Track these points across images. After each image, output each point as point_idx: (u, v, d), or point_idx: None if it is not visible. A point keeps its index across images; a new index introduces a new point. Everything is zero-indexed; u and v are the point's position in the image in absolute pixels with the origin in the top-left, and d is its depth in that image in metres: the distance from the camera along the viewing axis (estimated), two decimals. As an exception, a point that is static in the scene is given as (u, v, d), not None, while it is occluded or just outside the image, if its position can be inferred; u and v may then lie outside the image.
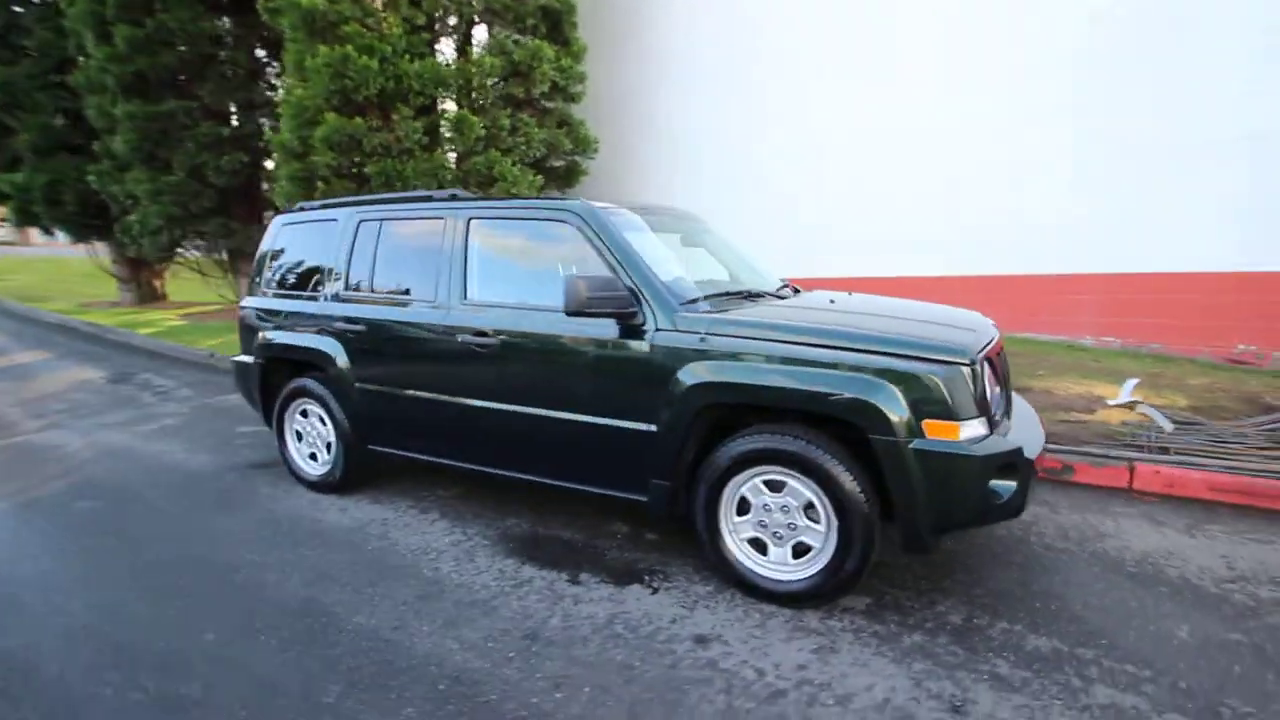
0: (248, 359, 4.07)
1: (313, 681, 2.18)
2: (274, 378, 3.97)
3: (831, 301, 3.07)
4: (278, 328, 3.88)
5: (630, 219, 3.05)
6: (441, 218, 3.35)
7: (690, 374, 2.57)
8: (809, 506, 2.48)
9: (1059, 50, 6.35)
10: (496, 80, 8.09)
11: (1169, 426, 4.00)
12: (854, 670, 2.18)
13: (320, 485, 3.82)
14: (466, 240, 3.23)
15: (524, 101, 8.56)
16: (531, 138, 8.31)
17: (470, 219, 3.25)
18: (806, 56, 8.33)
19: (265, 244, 4.10)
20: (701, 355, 2.57)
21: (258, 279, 4.09)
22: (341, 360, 3.54)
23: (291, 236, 4.02)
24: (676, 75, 9.73)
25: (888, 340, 2.39)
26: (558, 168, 9.31)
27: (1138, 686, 2.08)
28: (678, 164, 9.90)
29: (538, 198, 3.38)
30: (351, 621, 2.53)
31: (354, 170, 7.91)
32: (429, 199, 3.53)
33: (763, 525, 2.58)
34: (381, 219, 3.58)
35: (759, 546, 2.61)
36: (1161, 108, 5.79)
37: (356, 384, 3.52)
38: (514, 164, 8.11)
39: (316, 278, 3.77)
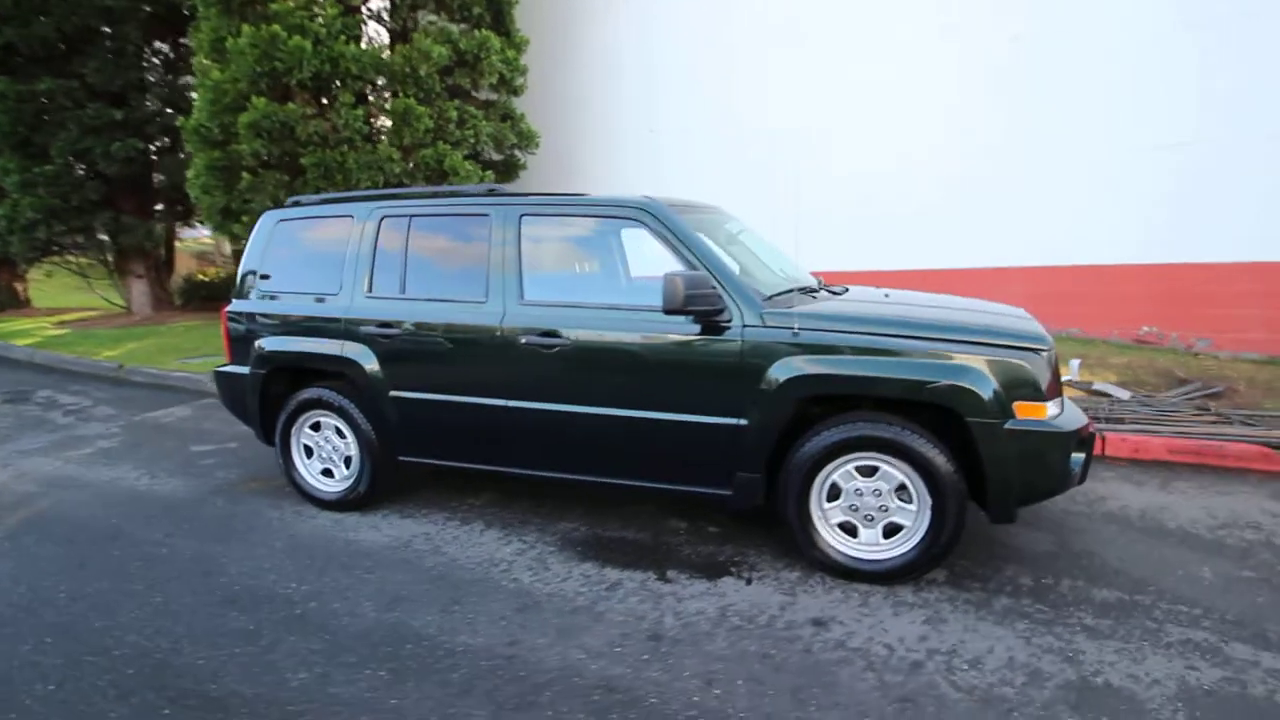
0: (239, 370, 3.67)
1: (452, 711, 2.05)
2: (275, 389, 3.62)
3: (886, 296, 3.25)
4: (283, 334, 3.53)
5: (692, 217, 3.08)
6: (485, 214, 3.20)
7: (787, 368, 2.65)
8: (900, 488, 2.65)
9: (985, 66, 7.03)
10: (442, 70, 7.71)
11: (1126, 395, 4.60)
12: (969, 636, 2.36)
13: (338, 503, 3.53)
14: (519, 237, 3.11)
15: (463, 93, 8.23)
16: (479, 131, 8.01)
17: (523, 215, 3.13)
18: (761, 53, 8.57)
19: (256, 243, 3.70)
20: (797, 350, 2.65)
21: (248, 281, 3.69)
22: (371, 367, 3.29)
23: (290, 234, 3.66)
24: (620, 71, 9.73)
25: (977, 330, 2.59)
26: (496, 162, 9.03)
27: (1198, 623, 2.41)
28: (615, 160, 9.90)
29: (596, 196, 3.21)
30: (457, 642, 2.39)
31: (286, 160, 7.25)
32: (460, 194, 3.36)
33: (854, 509, 2.71)
34: (410, 215, 3.35)
35: (848, 530, 2.75)
36: (1079, 122, 6.57)
37: (390, 392, 3.28)
38: (464, 158, 7.80)
39: (331, 278, 3.46)
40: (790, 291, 3.09)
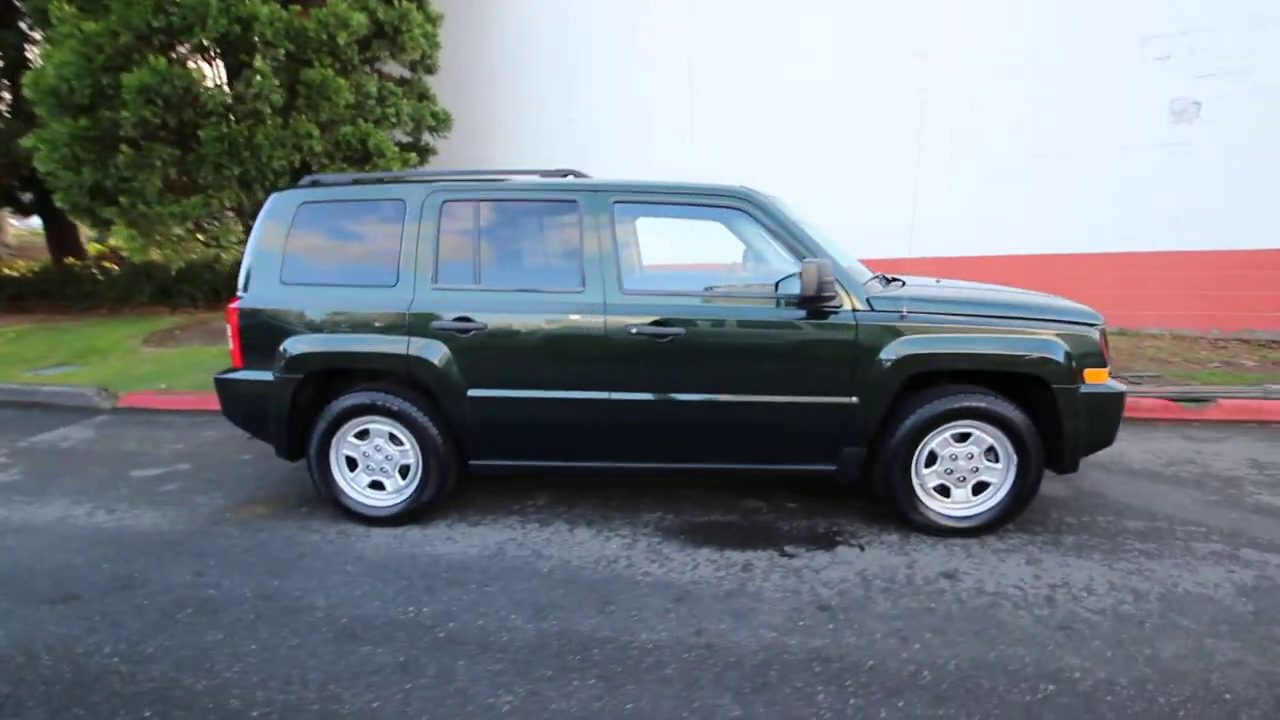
0: (256, 375, 3.15)
1: (696, 704, 2.01)
2: (307, 395, 3.16)
3: (938, 283, 3.60)
4: (322, 332, 3.09)
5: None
6: (573, 199, 3.05)
7: (899, 347, 2.88)
8: (988, 450, 3.00)
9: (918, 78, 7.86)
10: (359, 41, 7.00)
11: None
12: (1066, 570, 2.76)
13: (393, 518, 3.19)
14: (614, 224, 3.02)
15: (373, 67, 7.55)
16: (400, 109, 7.41)
17: (615, 201, 3.04)
18: (692, 37, 8.74)
19: (272, 228, 3.17)
20: (906, 330, 2.89)
21: (261, 273, 3.17)
22: (444, 365, 3.00)
23: (320, 219, 3.20)
24: (536, 55, 9.45)
25: (1047, 309, 3.00)
26: (404, 145, 8.41)
27: (1209, 538, 3.01)
28: (531, 149, 9.64)
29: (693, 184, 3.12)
30: (642, 640, 2.32)
31: (177, 132, 6.14)
32: (536, 174, 3.17)
33: (949, 473, 3.02)
34: (478, 199, 3.10)
35: (943, 492, 3.05)
36: (1007, 128, 7.55)
37: (469, 391, 3.03)
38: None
39: (384, 268, 3.09)
40: (874, 278, 3.31)
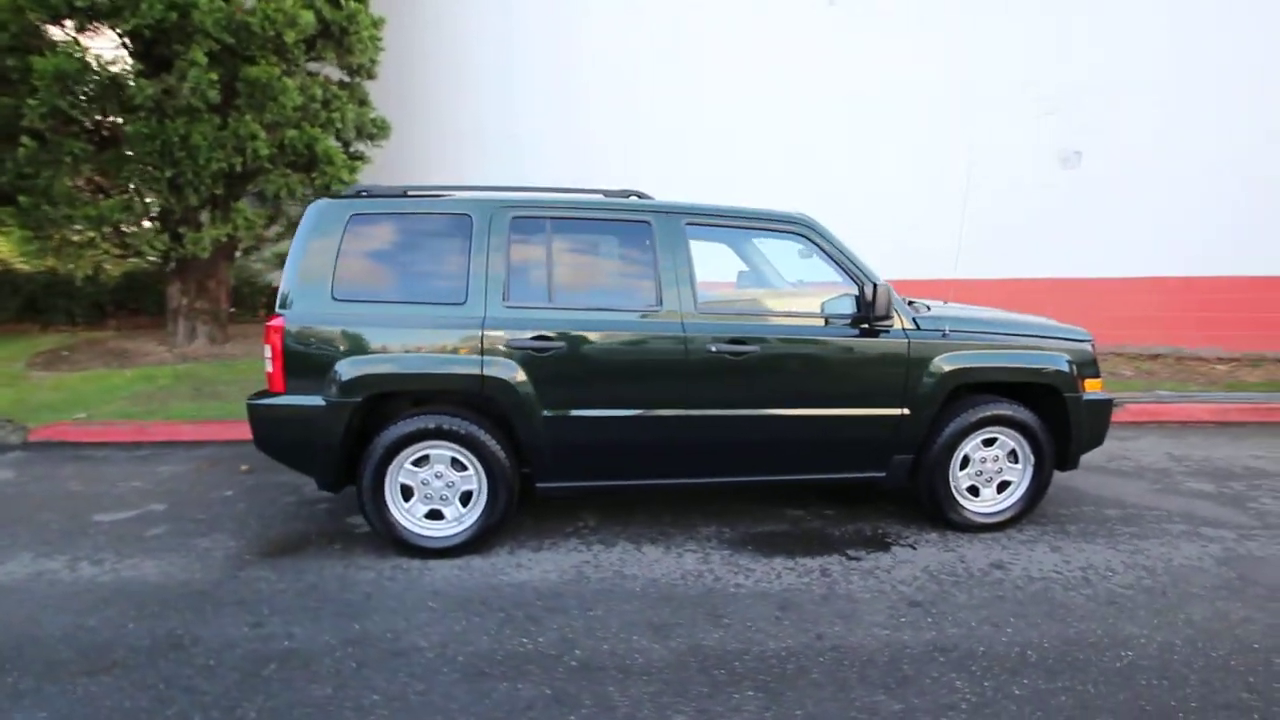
0: (309, 400, 2.87)
1: (858, 703, 2.11)
2: (358, 421, 2.93)
3: (944, 304, 3.99)
4: (386, 351, 2.89)
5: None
6: (646, 221, 3.10)
7: (944, 362, 3.20)
8: (1010, 453, 3.39)
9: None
10: (307, 40, 6.52)
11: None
12: (1084, 554, 3.17)
13: (454, 548, 3.02)
14: (687, 246, 3.10)
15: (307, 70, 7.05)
16: (345, 115, 6.98)
17: (687, 224, 3.12)
18: (631, 49, 8.94)
19: (323, 241, 2.92)
20: (949, 348, 3.22)
21: (306, 289, 2.90)
22: (521, 385, 2.92)
23: (374, 232, 2.99)
24: (478, 63, 9.26)
25: (1058, 329, 3.46)
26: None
27: (1173, 519, 3.60)
28: (469, 163, 9.42)
29: (755, 209, 3.26)
30: (770, 648, 2.39)
31: (96, 125, 5.36)
32: (599, 194, 3.19)
33: (979, 474, 3.38)
34: (549, 218, 3.06)
35: (974, 492, 3.40)
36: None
37: (544, 411, 2.96)
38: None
39: (451, 285, 2.95)
40: (910, 301, 3.62)
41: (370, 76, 7.66)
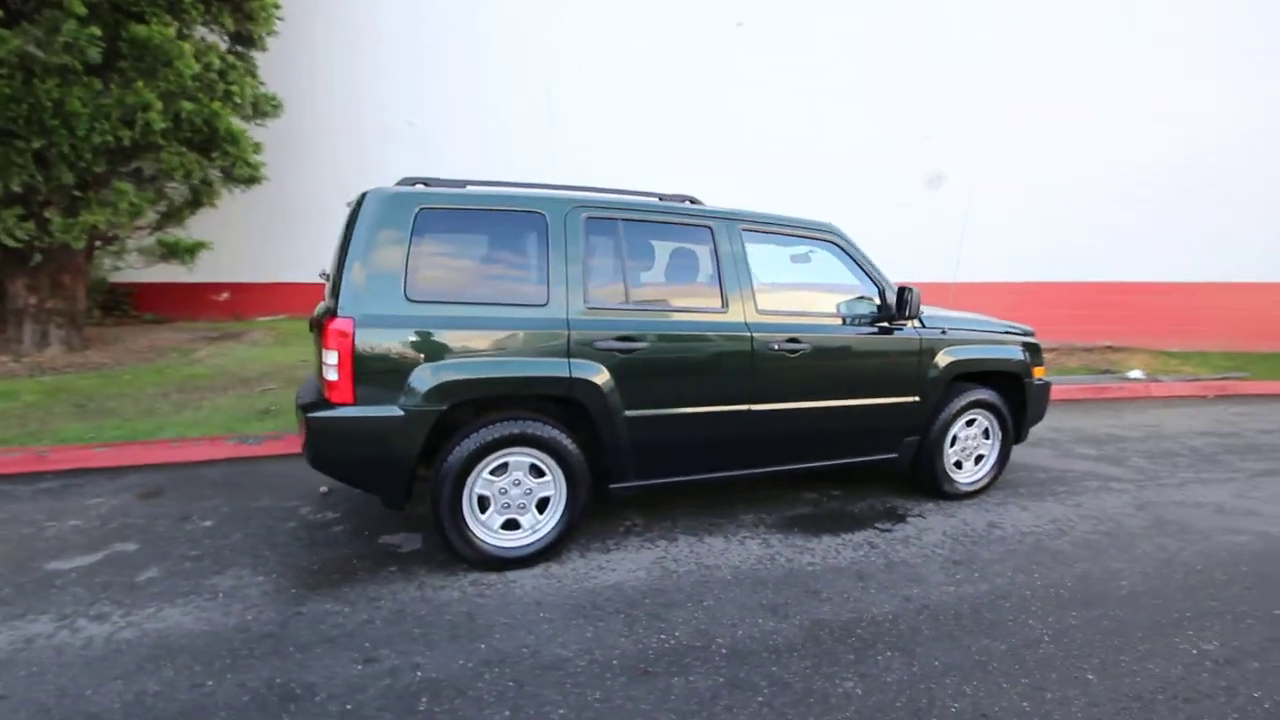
0: (383, 410, 2.60)
1: (977, 655, 2.44)
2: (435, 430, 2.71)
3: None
4: (466, 356, 2.70)
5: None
6: (708, 226, 3.23)
7: (945, 356, 3.71)
8: (984, 431, 4.01)
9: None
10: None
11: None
12: (1052, 510, 3.86)
13: (530, 557, 2.92)
14: (745, 251, 3.27)
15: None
16: (244, 88, 6.16)
17: (743, 230, 3.29)
18: (550, 47, 8.80)
19: (391, 235, 2.65)
20: (947, 343, 3.73)
21: (372, 285, 2.62)
22: (606, 387, 2.90)
23: (444, 227, 2.78)
24: (382, 47, 8.57)
25: (1012, 325, 4.13)
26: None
27: (1114, 479, 4.49)
28: (368, 151, 8.76)
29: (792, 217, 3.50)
30: (877, 614, 2.66)
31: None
32: (655, 197, 3.25)
33: (964, 451, 3.95)
34: (620, 219, 3.06)
35: (959, 466, 3.97)
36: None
37: (625, 411, 2.96)
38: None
39: (529, 285, 2.84)
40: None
41: (262, 48, 6.78)
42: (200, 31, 5.87)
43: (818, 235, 3.56)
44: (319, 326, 2.91)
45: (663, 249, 3.27)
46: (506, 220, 2.91)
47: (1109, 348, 9.19)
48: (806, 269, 3.62)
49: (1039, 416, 4.31)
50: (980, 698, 2.18)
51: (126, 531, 3.21)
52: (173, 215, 6.09)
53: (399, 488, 2.74)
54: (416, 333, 2.67)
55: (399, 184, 2.87)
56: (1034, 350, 4.14)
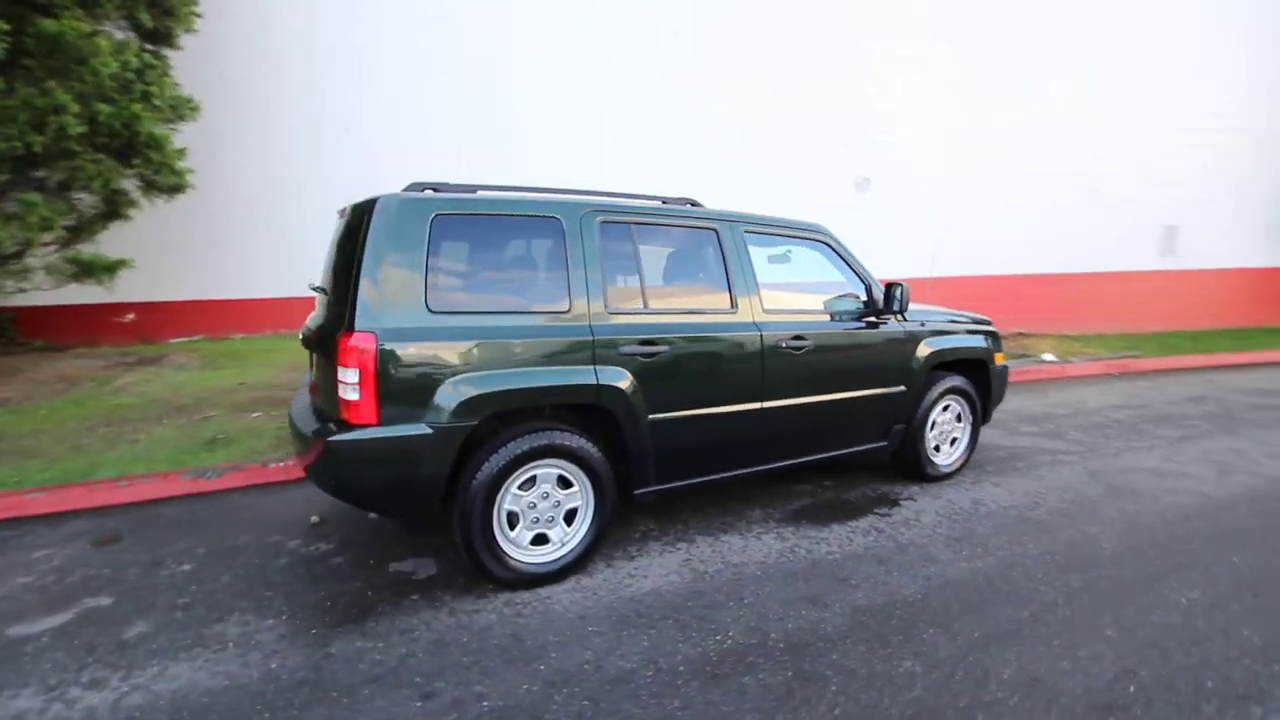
0: (410, 429, 2.44)
1: (1006, 618, 2.60)
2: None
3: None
4: (492, 367, 2.58)
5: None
6: (713, 228, 3.26)
7: (926, 347, 3.93)
8: (957, 416, 4.27)
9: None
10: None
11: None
12: (1022, 485, 4.17)
13: (559, 572, 2.83)
14: (748, 252, 3.32)
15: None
16: (163, 89, 5.64)
17: (746, 231, 3.35)
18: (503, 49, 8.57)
19: (408, 244, 2.49)
20: (927, 335, 3.95)
21: (392, 294, 2.46)
22: (630, 392, 2.86)
23: (461, 234, 2.65)
24: (320, 52, 8.05)
25: (975, 315, 4.42)
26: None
27: (1067, 452, 4.88)
28: (299, 159, 8.27)
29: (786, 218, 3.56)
30: (908, 594, 2.79)
31: None
32: (658, 200, 3.24)
33: (942, 435, 4.19)
34: (632, 223, 3.03)
35: (937, 450, 4.20)
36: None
37: (649, 416, 2.93)
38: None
39: (550, 291, 2.76)
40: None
41: (177, 47, 6.20)
42: (108, 27, 5.29)
43: (810, 235, 3.68)
44: (323, 343, 2.71)
45: (677, 252, 3.28)
46: (523, 225, 2.82)
47: (1020, 334, 10.03)
48: (803, 268, 3.73)
49: (1000, 399, 4.64)
50: (1025, 662, 2.33)
51: (93, 584, 2.84)
52: (84, 229, 5.43)
53: (426, 509, 2.59)
54: (441, 345, 2.53)
55: (406, 190, 2.71)
56: (995, 338, 4.47)
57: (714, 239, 3.27)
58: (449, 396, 2.51)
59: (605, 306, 2.88)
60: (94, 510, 3.63)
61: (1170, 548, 3.28)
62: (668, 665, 2.31)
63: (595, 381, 2.79)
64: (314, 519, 3.53)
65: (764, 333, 3.28)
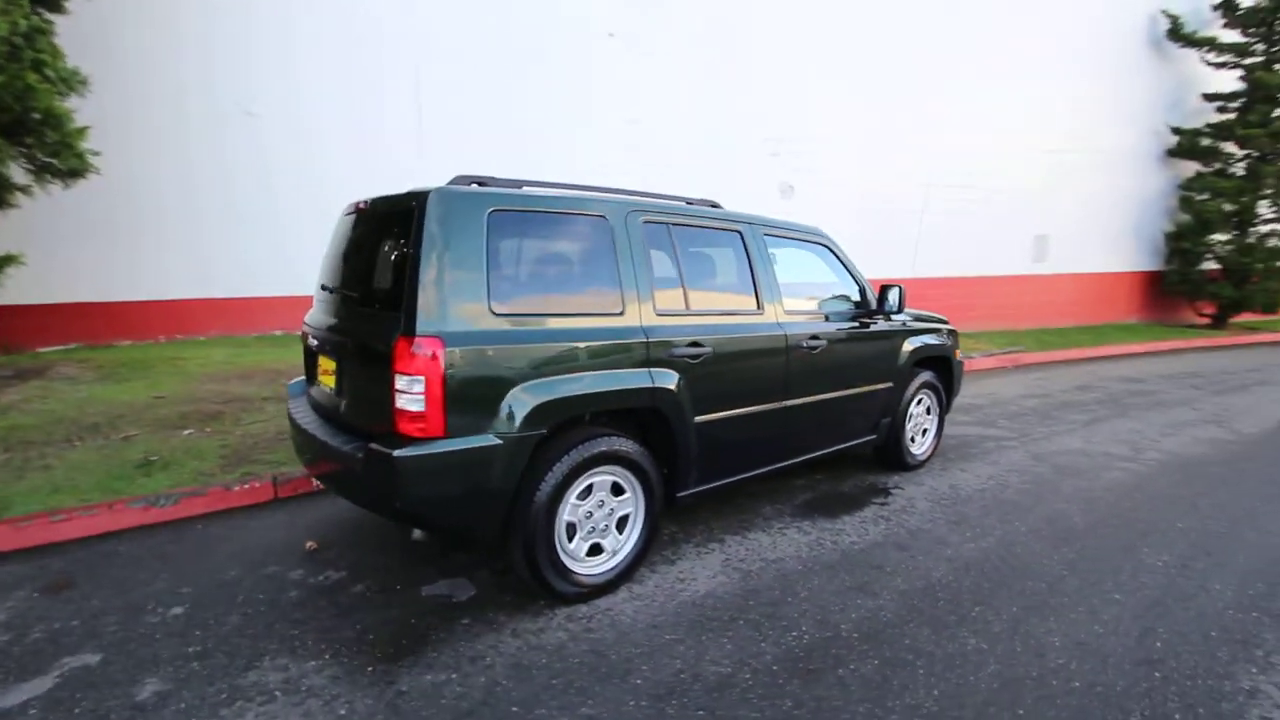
0: (478, 440, 2.25)
1: (1023, 589, 2.84)
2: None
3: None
4: (557, 372, 2.45)
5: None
6: (738, 230, 3.30)
7: (908, 345, 4.21)
8: (927, 409, 4.61)
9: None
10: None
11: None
12: (983, 471, 4.57)
13: (612, 582, 2.75)
14: (769, 255, 3.39)
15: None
16: (55, 58, 4.84)
17: (765, 234, 3.41)
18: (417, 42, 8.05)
19: (467, 241, 2.29)
20: (909, 334, 4.23)
21: (465, 297, 2.26)
22: (680, 395, 2.83)
23: (516, 232, 2.50)
24: (213, 26, 7.19)
25: (936, 315, 4.79)
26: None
27: (1008, 434, 5.38)
28: (207, 136, 7.43)
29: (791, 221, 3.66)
30: (938, 576, 2.98)
31: None
32: (681, 200, 3.24)
33: (916, 426, 4.51)
34: (670, 224, 3.00)
35: (914, 439, 4.51)
36: None
37: (696, 419, 2.91)
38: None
39: (601, 292, 2.67)
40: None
41: (63, 11, 5.31)
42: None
43: (813, 239, 3.83)
44: (363, 349, 2.45)
45: (709, 254, 3.28)
46: (573, 224, 2.70)
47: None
48: (808, 269, 3.86)
49: (958, 392, 5.07)
50: (1066, 630, 2.57)
51: (66, 640, 2.38)
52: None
53: (494, 527, 2.42)
54: (508, 349, 2.37)
55: (451, 183, 2.51)
56: (954, 335, 4.88)
57: (739, 241, 3.32)
58: (518, 404, 2.36)
59: (654, 308, 2.84)
60: (26, 552, 3.04)
61: (1128, 518, 3.74)
62: (761, 666, 2.32)
63: (651, 385, 2.74)
64: (309, 545, 3.18)
65: (787, 333, 3.38)
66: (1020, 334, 11.57)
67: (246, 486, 3.69)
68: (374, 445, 2.26)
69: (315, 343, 2.84)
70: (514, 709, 2.07)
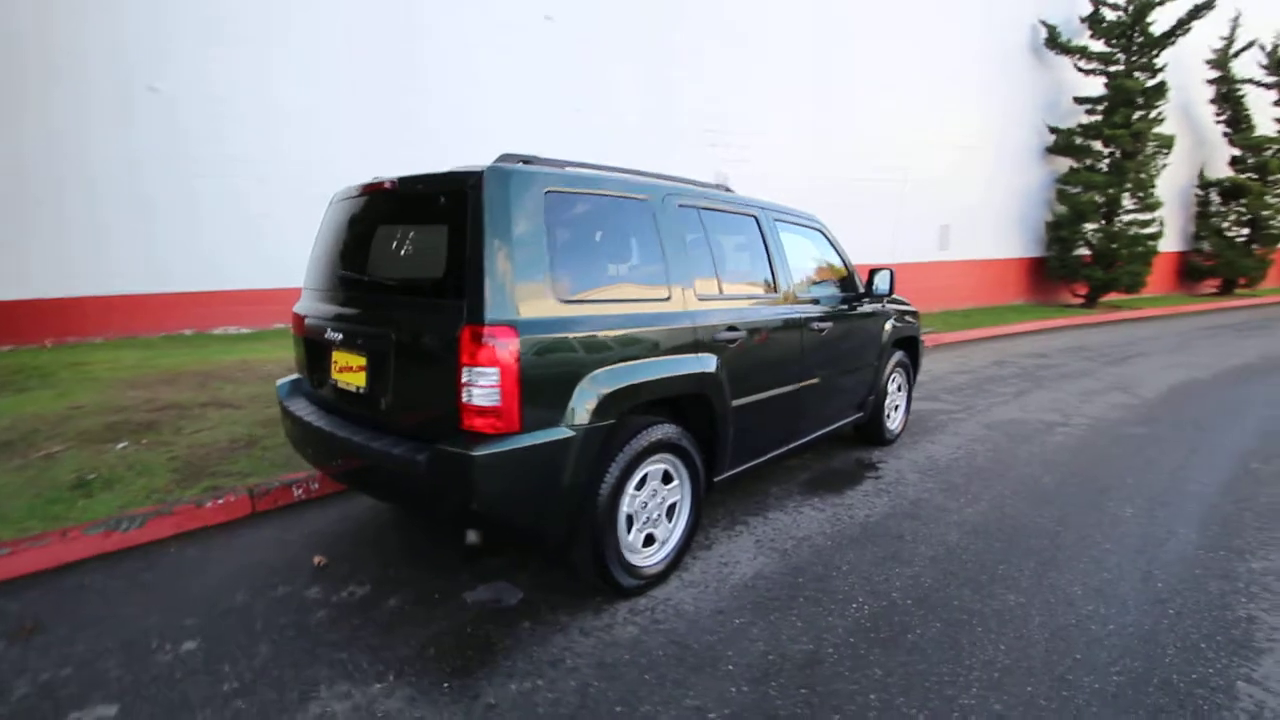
0: (557, 434, 2.14)
1: (1028, 547, 3.08)
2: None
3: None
4: (623, 359, 2.35)
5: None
6: (754, 215, 3.32)
7: (891, 325, 4.41)
8: (899, 386, 4.87)
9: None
10: None
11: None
12: (952, 442, 4.90)
13: (657, 576, 2.70)
14: (780, 239, 3.43)
15: None
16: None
17: (775, 220, 3.45)
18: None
19: (528, 223, 2.14)
20: (889, 316, 4.44)
21: (531, 282, 2.11)
22: (721, 380, 2.82)
23: (570, 214, 2.34)
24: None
25: (902, 299, 5.05)
26: None
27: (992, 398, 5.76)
28: (114, 113, 6.54)
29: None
30: (954, 540, 3.17)
31: None
32: (694, 184, 3.22)
33: (891, 403, 4.75)
34: (700, 208, 2.96)
35: (888, 416, 4.76)
36: None
37: (733, 402, 2.91)
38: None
39: (648, 275, 2.60)
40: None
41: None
42: None
43: (810, 224, 3.93)
44: (415, 341, 2.24)
45: (731, 238, 3.26)
46: (620, 207, 2.60)
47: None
48: (806, 254, 3.94)
49: (919, 369, 5.40)
50: (1085, 581, 2.82)
51: (65, 694, 2.02)
52: None
53: (562, 525, 2.30)
54: (577, 338, 2.26)
55: (497, 161, 2.34)
56: (918, 316, 5.18)
57: (756, 226, 3.35)
58: (587, 394, 2.26)
59: (695, 293, 2.80)
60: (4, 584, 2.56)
61: (1086, 476, 4.14)
62: (838, 639, 2.37)
63: (702, 370, 2.71)
64: (318, 560, 2.89)
65: (802, 315, 3.45)
66: (931, 316, 12.50)
67: (220, 502, 3.29)
68: (443, 445, 2.07)
69: (334, 337, 2.56)
70: (617, 709, 1.99)
